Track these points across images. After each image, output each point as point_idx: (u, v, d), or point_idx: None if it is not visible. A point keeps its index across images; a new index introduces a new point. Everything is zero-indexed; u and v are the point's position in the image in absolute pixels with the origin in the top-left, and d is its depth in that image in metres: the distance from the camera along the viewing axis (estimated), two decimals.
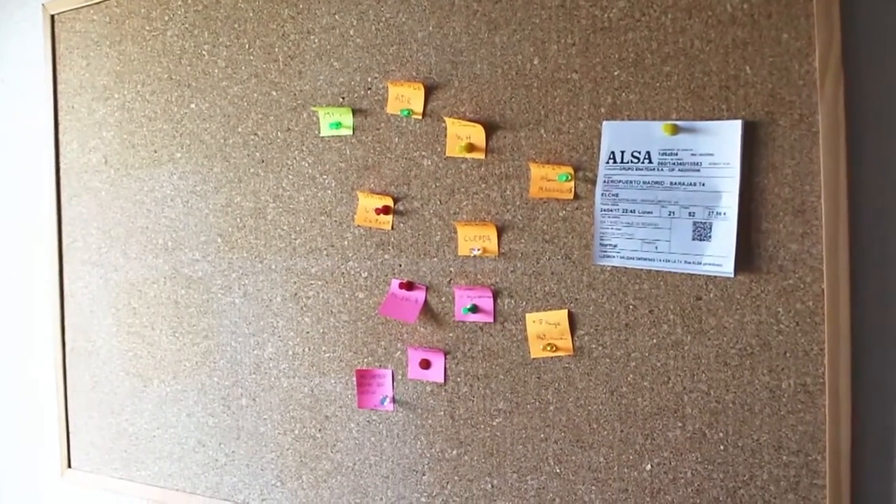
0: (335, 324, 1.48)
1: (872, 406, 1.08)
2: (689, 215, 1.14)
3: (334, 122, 1.45)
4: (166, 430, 1.73)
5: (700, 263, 1.14)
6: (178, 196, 1.68)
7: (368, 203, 1.42)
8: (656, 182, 1.17)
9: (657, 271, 1.18)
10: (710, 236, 1.13)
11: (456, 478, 1.37)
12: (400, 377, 1.42)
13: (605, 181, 1.21)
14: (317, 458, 1.51)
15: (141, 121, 1.73)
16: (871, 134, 1.07)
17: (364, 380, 1.44)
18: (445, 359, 1.37)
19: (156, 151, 1.71)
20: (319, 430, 1.51)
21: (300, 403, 1.53)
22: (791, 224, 1.09)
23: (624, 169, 1.19)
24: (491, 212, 1.31)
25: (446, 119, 1.34)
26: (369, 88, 1.42)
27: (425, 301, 1.38)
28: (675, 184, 1.15)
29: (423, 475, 1.40)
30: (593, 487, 1.24)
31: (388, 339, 1.42)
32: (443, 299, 1.37)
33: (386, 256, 1.42)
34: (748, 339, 1.12)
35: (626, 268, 1.20)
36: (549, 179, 1.25)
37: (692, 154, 1.14)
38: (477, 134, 1.31)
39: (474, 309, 1.33)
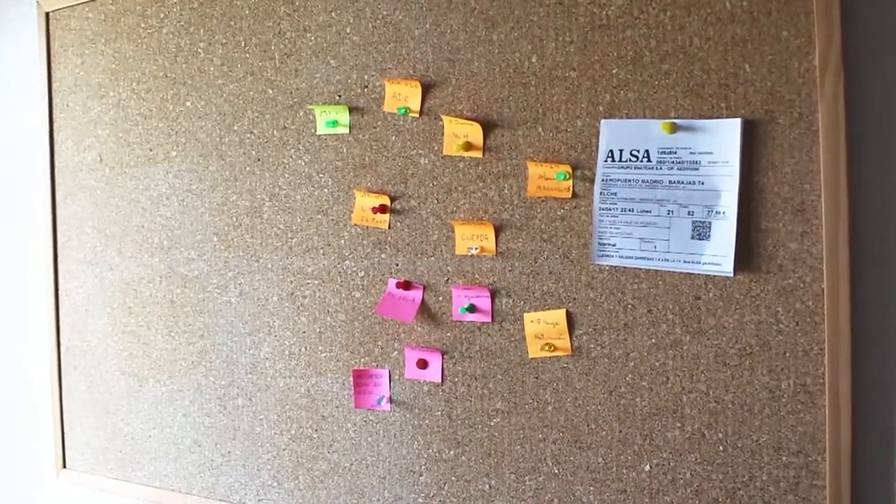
0: (332, 323, 1.47)
1: (873, 406, 1.07)
2: (688, 214, 1.14)
3: (331, 120, 1.44)
4: (162, 430, 1.72)
5: (699, 263, 1.13)
6: (174, 195, 1.67)
7: (365, 202, 1.42)
8: (655, 181, 1.16)
9: (656, 271, 1.17)
10: (709, 235, 1.12)
11: (453, 478, 1.36)
12: (397, 377, 1.41)
13: (603, 180, 1.20)
14: (313, 459, 1.51)
15: (136, 119, 1.72)
16: (871, 132, 1.06)
17: (361, 380, 1.44)
18: (443, 359, 1.36)
19: (151, 150, 1.70)
20: (316, 431, 1.50)
21: (297, 403, 1.52)
22: (791, 223, 1.08)
23: (622, 167, 1.18)
24: (488, 211, 1.31)
25: (443, 117, 1.33)
26: (366, 86, 1.42)
27: (422, 300, 1.37)
28: (674, 182, 1.15)
29: (421, 476, 1.39)
30: (591, 488, 1.24)
31: (384, 339, 1.42)
32: (440, 299, 1.36)
33: (383, 255, 1.41)
34: (747, 339, 1.11)
35: (624, 267, 1.20)
36: (547, 178, 1.24)
37: (691, 153, 1.13)
38: (474, 132, 1.30)
39: (472, 308, 1.32)
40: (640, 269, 1.19)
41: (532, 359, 1.28)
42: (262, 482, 1.58)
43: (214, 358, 1.62)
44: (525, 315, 1.28)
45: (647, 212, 1.17)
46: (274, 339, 1.54)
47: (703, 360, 1.14)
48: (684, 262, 1.14)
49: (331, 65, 1.45)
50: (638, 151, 1.17)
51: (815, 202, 1.06)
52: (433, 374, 1.37)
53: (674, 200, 1.15)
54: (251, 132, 1.55)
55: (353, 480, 1.46)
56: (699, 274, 1.14)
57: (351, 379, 1.45)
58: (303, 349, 1.51)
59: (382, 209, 1.39)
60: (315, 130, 1.47)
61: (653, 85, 1.16)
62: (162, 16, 1.67)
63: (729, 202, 1.10)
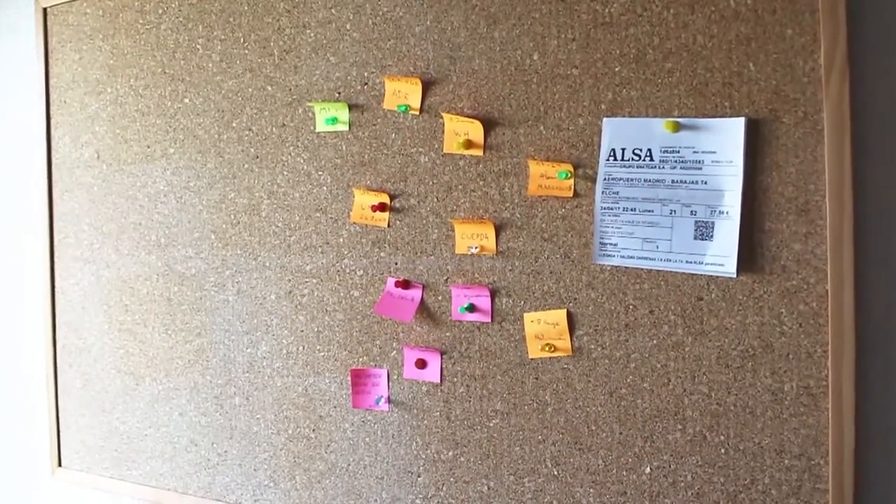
0: (330, 322, 1.46)
1: (876, 409, 1.06)
2: (691, 214, 1.13)
3: (330, 117, 1.43)
4: (158, 428, 1.71)
5: (702, 263, 1.12)
6: (172, 192, 1.66)
7: (364, 200, 1.41)
8: (657, 180, 1.15)
9: (658, 271, 1.16)
10: (711, 236, 1.11)
11: (452, 479, 1.35)
12: (395, 377, 1.40)
13: (605, 179, 1.19)
14: (310, 459, 1.50)
15: (134, 115, 1.71)
16: (876, 132, 1.06)
17: (359, 379, 1.43)
18: (442, 359, 1.35)
19: (149, 147, 1.69)
20: (313, 431, 1.49)
21: (294, 403, 1.51)
22: (795, 224, 1.07)
23: (625, 166, 1.17)
24: (489, 209, 1.30)
25: (444, 115, 1.32)
26: (366, 83, 1.40)
27: (422, 300, 1.36)
28: (677, 182, 1.13)
29: (419, 477, 1.38)
30: (591, 490, 1.23)
31: (383, 339, 1.41)
32: (439, 298, 1.35)
33: (382, 254, 1.40)
34: (750, 341, 1.10)
35: (626, 267, 1.19)
36: (549, 177, 1.23)
37: (694, 152, 1.12)
38: (475, 130, 1.29)
39: (471, 308, 1.31)
40: (642, 269, 1.18)
41: (532, 359, 1.27)
42: (258, 482, 1.57)
43: (211, 356, 1.61)
44: (525, 315, 1.27)
45: (649, 211, 1.16)
46: (271, 338, 1.53)
47: (705, 361, 1.13)
48: (686, 262, 1.13)
49: (330, 61, 1.44)
50: (640, 150, 1.16)
51: (820, 202, 1.05)
52: (432, 374, 1.36)
53: (676, 200, 1.14)
54: (250, 129, 1.54)
55: (350, 481, 1.45)
56: (701, 274, 1.13)
57: (349, 378, 1.44)
58: (301, 348, 1.50)
59: (382, 207, 1.38)
60: (314, 128, 1.46)
61: (656, 83, 1.15)
62: (160, 12, 1.66)
63: (732, 202, 1.09)
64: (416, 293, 1.37)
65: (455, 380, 1.34)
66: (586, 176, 1.21)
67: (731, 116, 1.10)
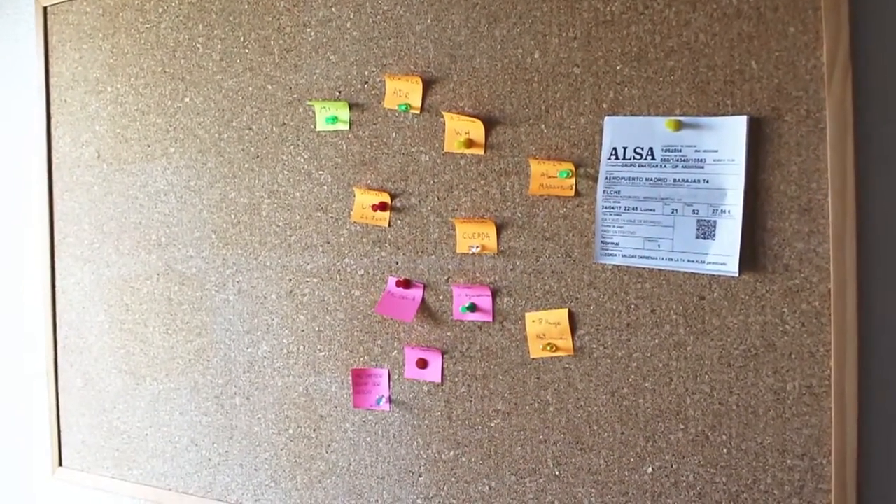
0: (331, 322, 1.46)
1: (879, 409, 1.06)
2: (693, 213, 1.12)
3: (330, 116, 1.43)
4: (159, 428, 1.71)
5: (704, 262, 1.12)
6: (172, 191, 1.65)
7: (365, 199, 1.40)
8: (659, 179, 1.15)
9: (660, 270, 1.16)
10: (713, 235, 1.11)
11: (453, 479, 1.35)
12: (396, 377, 1.40)
13: (606, 178, 1.19)
14: (311, 459, 1.49)
15: (134, 115, 1.71)
16: (879, 130, 1.05)
17: (360, 379, 1.42)
18: (443, 358, 1.35)
19: (149, 146, 1.69)
20: (314, 430, 1.49)
21: (295, 403, 1.51)
22: (797, 222, 1.06)
23: (626, 165, 1.17)
24: (490, 209, 1.29)
25: (445, 114, 1.32)
26: (366, 82, 1.40)
27: (423, 299, 1.36)
28: (679, 181, 1.13)
29: (420, 476, 1.38)
30: (593, 490, 1.22)
31: (384, 338, 1.40)
32: (440, 298, 1.34)
33: (383, 254, 1.40)
34: (752, 340, 1.10)
35: (627, 266, 1.18)
36: (550, 176, 1.23)
37: (696, 150, 1.12)
38: (476, 129, 1.29)
39: (473, 308, 1.31)
40: (644, 268, 1.17)
41: (533, 359, 1.27)
42: (259, 482, 1.56)
43: (212, 356, 1.61)
44: (526, 315, 1.27)
45: (650, 210, 1.15)
46: (272, 338, 1.53)
47: (707, 361, 1.13)
48: (688, 261, 1.13)
49: (331, 60, 1.44)
50: (642, 149, 1.16)
51: (822, 201, 1.05)
52: (433, 373, 1.35)
53: (678, 199, 1.13)
54: (250, 128, 1.54)
55: (351, 481, 1.45)
56: (703, 274, 1.13)
57: (350, 378, 1.44)
58: (301, 348, 1.49)
59: (382, 207, 1.38)
60: (315, 127, 1.46)
61: (657, 82, 1.15)
62: (160, 10, 1.66)
63: (734, 201, 1.09)
64: (417, 293, 1.36)
65: (456, 379, 1.34)
66: (588, 175, 1.21)
67: (733, 115, 1.10)
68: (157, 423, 1.71)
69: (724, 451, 1.12)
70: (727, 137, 1.09)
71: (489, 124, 1.29)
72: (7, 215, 2.06)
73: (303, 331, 1.49)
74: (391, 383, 1.40)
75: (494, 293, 1.30)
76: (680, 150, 1.13)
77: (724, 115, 1.10)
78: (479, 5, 1.29)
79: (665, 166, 1.14)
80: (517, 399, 1.28)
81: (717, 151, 1.10)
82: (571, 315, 1.23)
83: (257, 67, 1.52)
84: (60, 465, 1.90)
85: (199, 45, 1.60)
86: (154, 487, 1.72)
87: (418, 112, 1.35)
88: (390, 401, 1.40)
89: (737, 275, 1.10)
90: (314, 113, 1.46)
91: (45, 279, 1.89)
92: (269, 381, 1.54)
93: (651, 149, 1.15)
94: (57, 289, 1.88)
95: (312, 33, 1.45)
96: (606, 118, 1.19)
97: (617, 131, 1.18)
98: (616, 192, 1.18)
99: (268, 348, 1.53)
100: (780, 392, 1.08)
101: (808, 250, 1.06)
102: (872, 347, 1.05)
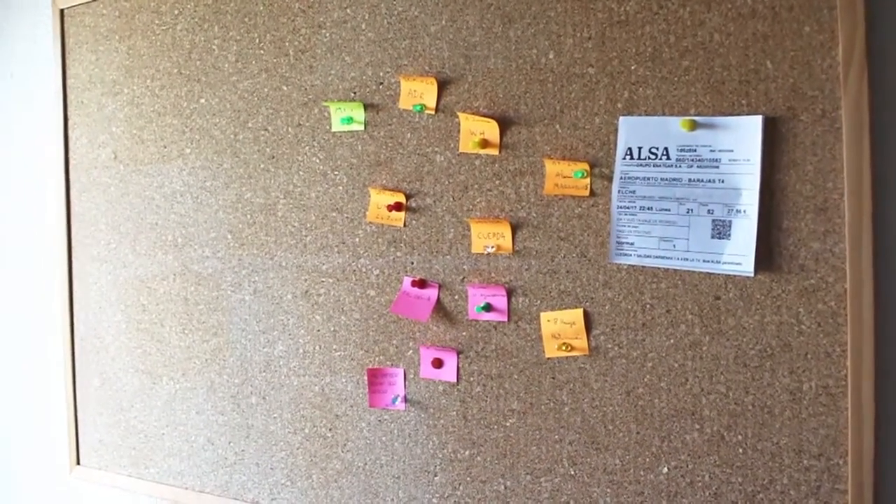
0: (346, 322, 1.46)
1: None
2: (708, 213, 1.12)
3: (346, 117, 1.44)
4: (175, 427, 1.72)
5: (719, 262, 1.12)
6: (188, 192, 1.66)
7: (380, 199, 1.41)
8: (674, 179, 1.15)
9: (675, 270, 1.16)
10: (729, 234, 1.11)
11: (468, 479, 1.35)
12: (412, 376, 1.40)
13: (621, 178, 1.19)
14: (327, 458, 1.50)
15: (150, 116, 1.72)
16: (895, 129, 1.04)
17: (375, 379, 1.43)
18: (458, 358, 1.35)
19: (165, 147, 1.70)
20: (330, 430, 1.49)
21: (311, 402, 1.51)
22: (813, 222, 1.06)
23: (641, 165, 1.17)
24: (505, 209, 1.29)
25: (459, 114, 1.32)
26: (381, 83, 1.41)
27: (438, 299, 1.36)
28: (694, 181, 1.13)
29: (435, 476, 1.38)
30: (608, 490, 1.23)
31: (399, 338, 1.41)
32: (456, 297, 1.35)
33: (398, 254, 1.40)
34: (768, 340, 1.09)
35: (643, 266, 1.18)
36: (565, 176, 1.23)
37: (711, 150, 1.12)
38: (491, 129, 1.29)
39: (488, 307, 1.31)
40: (659, 268, 1.17)
41: (548, 359, 1.27)
42: (275, 481, 1.57)
43: (228, 356, 1.62)
44: (542, 314, 1.27)
45: (666, 210, 1.15)
46: (288, 338, 1.54)
47: (723, 361, 1.13)
48: (704, 261, 1.13)
49: (346, 61, 1.44)
50: (657, 149, 1.16)
51: (838, 200, 1.04)
52: (448, 373, 1.36)
53: (693, 199, 1.13)
54: (265, 129, 1.54)
55: (366, 480, 1.46)
56: (719, 273, 1.12)
57: (365, 378, 1.45)
58: (317, 348, 1.50)
59: (398, 207, 1.38)
60: (330, 127, 1.46)
61: (672, 81, 1.15)
62: (176, 12, 1.67)
63: (749, 201, 1.09)
64: (432, 292, 1.37)
65: (471, 379, 1.34)
66: (602, 175, 1.21)
67: (748, 114, 1.09)
68: (174, 423, 1.72)
69: (740, 451, 1.12)
70: (742, 137, 1.09)
71: (504, 124, 1.29)
72: (25, 216, 2.08)
73: (318, 330, 1.50)
74: (407, 383, 1.41)
75: (509, 293, 1.30)
76: (695, 150, 1.13)
77: (739, 114, 1.10)
78: (494, 6, 1.29)
79: (680, 166, 1.14)
80: (532, 399, 1.29)
81: (732, 151, 1.10)
82: (587, 315, 1.23)
83: (273, 69, 1.53)
84: (78, 463, 1.92)
85: (214, 47, 1.61)
86: (171, 486, 1.74)
87: (433, 112, 1.35)
88: (406, 400, 1.41)
89: (752, 275, 1.09)
90: (329, 114, 1.46)
91: (62, 280, 1.91)
92: (285, 381, 1.54)
93: (666, 149, 1.15)
94: (74, 289, 1.89)
95: (327, 34, 1.46)
96: (621, 118, 1.19)
97: (632, 131, 1.18)
98: (631, 191, 1.18)
99: (284, 348, 1.54)
100: (796, 392, 1.08)
101: (824, 250, 1.06)
102: (889, 347, 1.05)
